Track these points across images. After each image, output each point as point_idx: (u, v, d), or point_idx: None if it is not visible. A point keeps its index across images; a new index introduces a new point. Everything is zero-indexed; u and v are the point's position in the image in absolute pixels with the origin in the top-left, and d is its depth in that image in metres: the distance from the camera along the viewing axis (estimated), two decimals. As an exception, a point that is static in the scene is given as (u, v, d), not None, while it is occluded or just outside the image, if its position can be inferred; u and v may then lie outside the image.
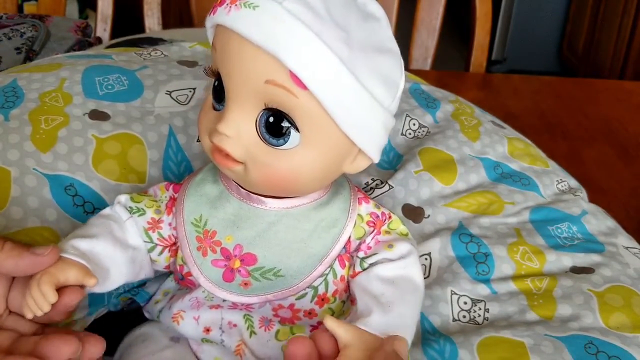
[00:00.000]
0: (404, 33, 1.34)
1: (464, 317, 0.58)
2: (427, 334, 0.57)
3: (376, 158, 0.50)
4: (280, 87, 0.44)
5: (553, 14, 2.74)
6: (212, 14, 0.47)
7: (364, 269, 0.52)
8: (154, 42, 1.10)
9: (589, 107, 1.12)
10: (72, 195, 0.59)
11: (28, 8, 1.53)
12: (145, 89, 0.69)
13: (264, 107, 0.45)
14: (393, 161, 0.72)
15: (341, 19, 0.45)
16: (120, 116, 0.66)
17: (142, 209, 0.53)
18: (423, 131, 0.75)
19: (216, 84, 0.48)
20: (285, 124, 0.45)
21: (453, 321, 0.58)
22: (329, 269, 0.51)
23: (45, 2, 1.29)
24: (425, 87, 0.82)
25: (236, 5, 0.44)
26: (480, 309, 0.59)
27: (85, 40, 1.18)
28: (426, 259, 0.62)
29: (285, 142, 0.46)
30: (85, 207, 0.59)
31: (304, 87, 0.44)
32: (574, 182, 0.76)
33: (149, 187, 0.61)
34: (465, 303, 0.59)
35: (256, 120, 0.46)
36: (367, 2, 0.47)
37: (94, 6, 1.33)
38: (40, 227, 0.57)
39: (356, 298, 0.51)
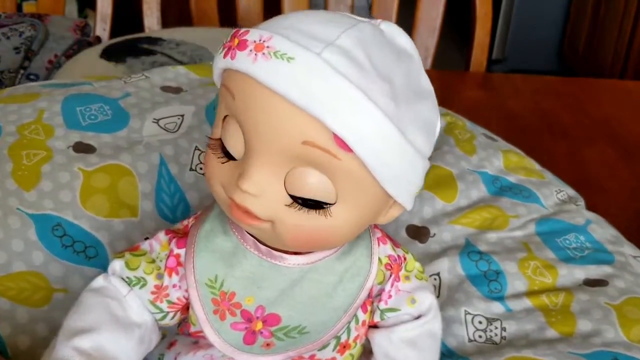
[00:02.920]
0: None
1: (480, 337, 0.57)
2: (443, 357, 0.55)
3: (409, 206, 0.46)
4: (321, 150, 0.39)
5: (553, 13, 2.73)
6: (228, 56, 0.41)
7: (382, 320, 0.50)
8: (153, 41, 1.10)
9: (590, 107, 1.11)
10: (60, 236, 0.57)
11: (27, 7, 1.52)
12: (131, 118, 0.66)
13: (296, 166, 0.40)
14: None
15: (383, 67, 0.40)
16: (107, 148, 0.63)
17: (142, 278, 0.47)
18: None
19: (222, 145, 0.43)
20: None
21: (469, 342, 0.57)
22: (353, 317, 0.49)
23: (45, 2, 1.28)
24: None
25: (264, 54, 0.39)
26: (496, 327, 0.58)
27: (84, 39, 1.18)
28: (435, 279, 0.61)
29: (321, 206, 0.41)
30: (75, 247, 0.57)
31: (349, 149, 0.39)
32: (571, 192, 0.76)
33: (141, 222, 0.57)
34: (480, 322, 0.58)
35: (285, 180, 0.41)
36: (395, 34, 0.43)
37: (93, 5, 1.33)
38: (27, 271, 0.55)
39: (376, 358, 0.49)
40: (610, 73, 2.26)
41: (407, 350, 0.49)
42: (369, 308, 0.50)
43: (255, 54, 0.39)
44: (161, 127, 0.67)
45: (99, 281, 0.47)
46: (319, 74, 0.38)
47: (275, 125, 0.39)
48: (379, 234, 0.50)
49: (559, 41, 2.76)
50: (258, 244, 0.46)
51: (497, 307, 0.60)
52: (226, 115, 0.43)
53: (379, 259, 0.49)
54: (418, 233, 0.66)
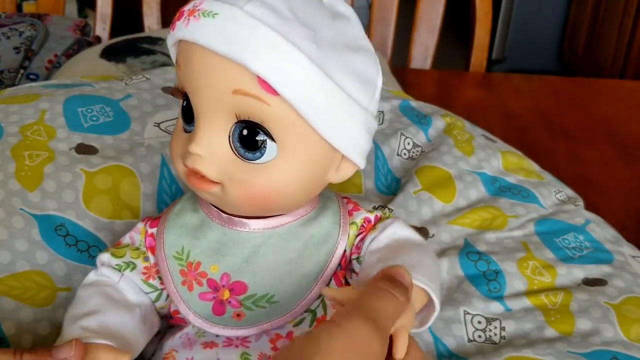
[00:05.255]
0: (404, 32, 1.33)
1: (480, 337, 0.57)
2: (443, 358, 0.56)
3: (361, 164, 0.47)
4: (249, 96, 0.42)
5: (553, 13, 2.73)
6: (171, 30, 0.45)
7: (360, 263, 0.49)
8: (153, 41, 1.10)
9: (590, 107, 1.11)
10: (64, 235, 0.57)
11: (27, 7, 1.53)
12: (133, 121, 0.66)
13: (235, 121, 0.43)
14: (391, 186, 0.71)
15: (306, 17, 0.43)
16: (109, 149, 0.63)
17: (131, 262, 0.49)
18: (417, 151, 0.75)
19: (184, 104, 0.46)
20: (260, 137, 0.43)
21: (469, 342, 0.57)
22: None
23: (44, 1, 1.28)
24: (414, 103, 0.82)
25: (194, 16, 0.42)
26: (495, 327, 0.58)
27: (84, 39, 1.18)
28: None
29: (262, 154, 0.43)
30: (78, 246, 0.57)
31: (274, 92, 0.41)
32: (570, 192, 0.76)
33: None
34: (479, 322, 0.58)
35: (229, 135, 0.43)
36: (335, 2, 0.46)
37: (93, 5, 1.33)
38: (31, 271, 0.55)
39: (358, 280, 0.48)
40: (610, 73, 2.26)
41: (382, 251, 0.48)
42: (344, 282, 0.50)
43: (188, 19, 0.43)
44: (162, 130, 0.67)
45: (91, 277, 0.50)
46: (240, 23, 0.41)
47: (208, 80, 0.42)
48: (350, 206, 0.52)
49: (559, 41, 2.77)
50: (221, 213, 0.48)
51: (496, 307, 0.60)
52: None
53: (355, 224, 0.50)
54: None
